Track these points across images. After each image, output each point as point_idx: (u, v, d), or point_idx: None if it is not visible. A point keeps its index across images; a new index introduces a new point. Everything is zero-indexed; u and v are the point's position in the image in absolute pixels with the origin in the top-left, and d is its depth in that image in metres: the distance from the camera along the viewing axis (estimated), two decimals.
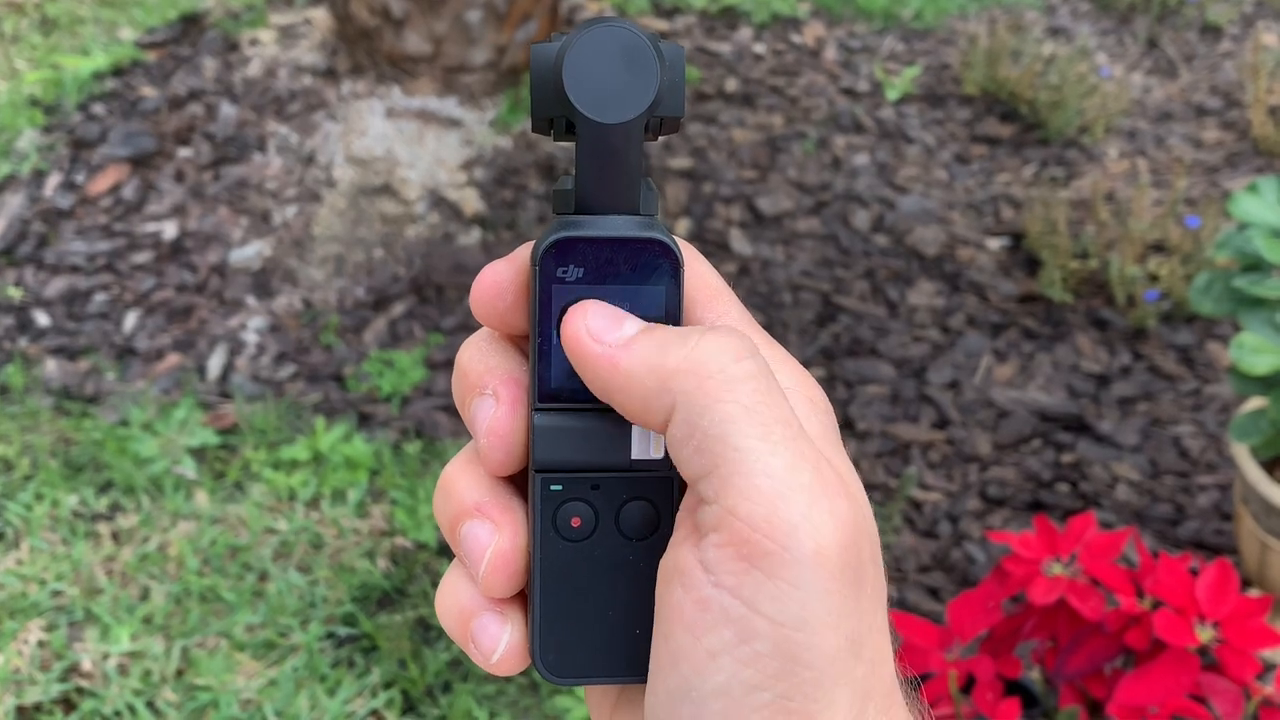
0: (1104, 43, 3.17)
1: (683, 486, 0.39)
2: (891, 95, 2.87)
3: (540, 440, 0.38)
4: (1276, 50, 3.03)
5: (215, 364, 2.13)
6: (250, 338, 2.18)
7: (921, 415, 2.05)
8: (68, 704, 1.59)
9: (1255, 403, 1.61)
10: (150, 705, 1.59)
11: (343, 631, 1.69)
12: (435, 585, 1.74)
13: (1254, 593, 1.66)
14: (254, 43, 2.76)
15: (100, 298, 2.26)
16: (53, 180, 2.48)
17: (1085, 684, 1.12)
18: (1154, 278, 2.25)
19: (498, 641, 0.39)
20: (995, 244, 2.44)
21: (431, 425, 2.01)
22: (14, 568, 1.76)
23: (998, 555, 1.77)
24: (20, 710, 1.58)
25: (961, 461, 1.97)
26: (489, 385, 0.39)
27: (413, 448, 1.95)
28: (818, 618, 0.33)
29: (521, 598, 0.39)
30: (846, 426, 2.04)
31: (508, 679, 1.63)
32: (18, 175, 2.49)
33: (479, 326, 0.40)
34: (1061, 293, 2.26)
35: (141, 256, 2.33)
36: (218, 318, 2.22)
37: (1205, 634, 1.08)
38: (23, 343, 2.17)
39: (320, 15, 2.78)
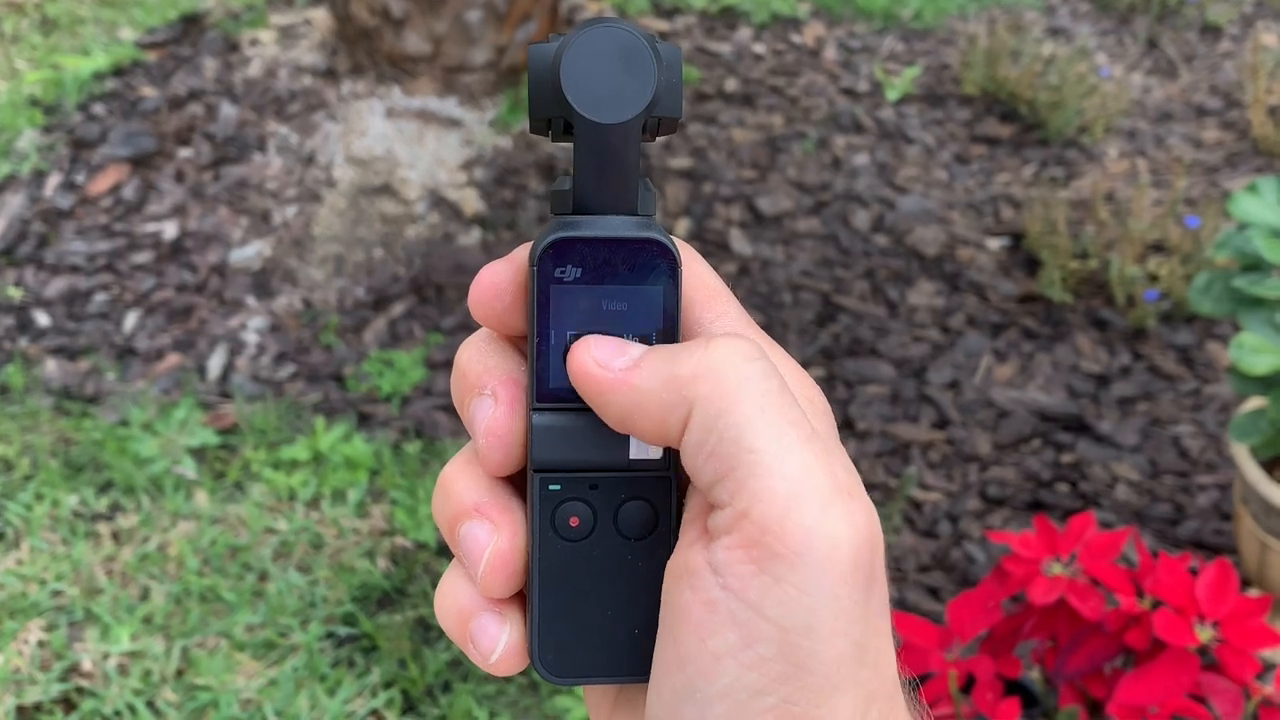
0: (1104, 43, 3.17)
1: (682, 487, 0.39)
2: (891, 95, 2.87)
3: (539, 440, 0.38)
4: (1276, 50, 3.03)
5: (215, 364, 2.13)
6: (250, 338, 2.18)
7: (921, 415, 2.05)
8: (68, 704, 1.59)
9: (1255, 403, 1.61)
10: (150, 705, 1.59)
11: (343, 631, 1.69)
12: (435, 585, 1.74)
13: (1254, 593, 1.66)
14: (254, 43, 2.76)
15: (100, 298, 2.26)
16: (53, 180, 2.48)
17: (1085, 684, 1.13)
18: (1154, 278, 2.25)
19: (496, 642, 0.39)
20: (995, 244, 2.44)
21: (431, 425, 2.01)
22: (14, 568, 1.76)
23: (998, 555, 1.77)
24: (20, 710, 1.58)
25: (961, 461, 1.97)
26: (488, 385, 0.39)
27: (413, 448, 1.95)
28: (825, 622, 0.33)
29: (520, 598, 0.39)
30: (846, 426, 2.04)
31: (507, 679, 1.63)
32: (18, 175, 2.49)
33: (478, 327, 0.40)
34: (1061, 293, 2.26)
35: (141, 256, 2.33)
36: (218, 318, 2.22)
37: (1205, 634, 1.08)
38: (23, 343, 2.17)
39: (320, 15, 2.78)
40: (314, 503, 1.89)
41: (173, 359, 2.14)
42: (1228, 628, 1.09)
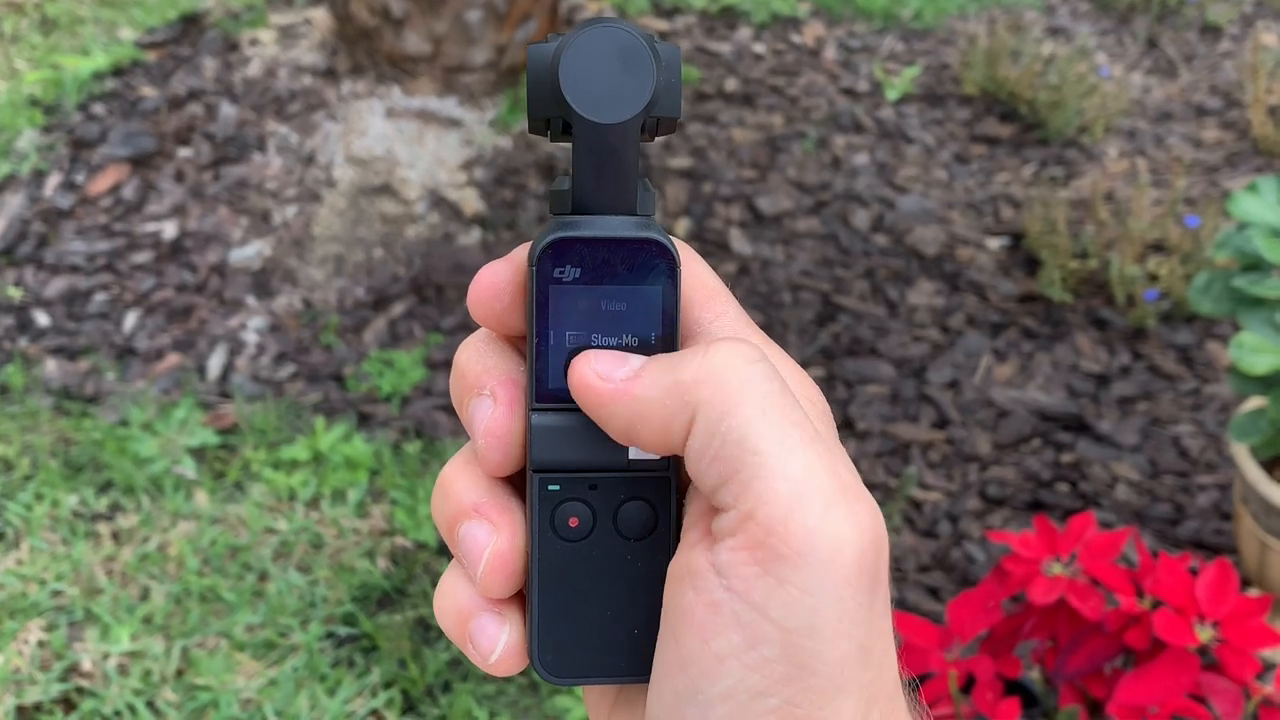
0: (1104, 43, 3.17)
1: (681, 488, 0.39)
2: (891, 95, 2.87)
3: (538, 440, 0.38)
4: (1276, 50, 3.02)
5: (215, 364, 2.13)
6: (250, 338, 2.18)
7: (921, 415, 2.05)
8: (68, 704, 1.59)
9: (1255, 402, 1.61)
10: (150, 705, 1.59)
11: (343, 631, 1.69)
12: (435, 585, 1.74)
13: (1254, 592, 1.66)
14: (254, 43, 2.76)
15: (100, 298, 2.26)
16: (53, 180, 2.48)
17: (1085, 684, 1.12)
18: (1154, 277, 2.25)
19: (496, 642, 0.39)
20: (995, 244, 2.44)
21: (431, 425, 2.01)
22: (14, 568, 1.76)
23: (998, 555, 1.77)
24: (20, 710, 1.58)
25: (961, 461, 1.97)
26: (487, 386, 0.39)
27: (413, 447, 1.95)
28: (828, 624, 0.33)
29: (520, 598, 0.39)
30: (846, 426, 2.04)
31: (507, 679, 1.63)
32: (18, 175, 2.49)
33: (478, 327, 0.40)
34: (1061, 292, 2.26)
35: (141, 256, 2.33)
36: (218, 318, 2.22)
37: (1205, 634, 1.08)
38: (23, 343, 2.17)
39: (320, 15, 2.78)
40: (314, 503, 1.89)
41: (172, 359, 2.14)
42: (1228, 628, 1.09)
